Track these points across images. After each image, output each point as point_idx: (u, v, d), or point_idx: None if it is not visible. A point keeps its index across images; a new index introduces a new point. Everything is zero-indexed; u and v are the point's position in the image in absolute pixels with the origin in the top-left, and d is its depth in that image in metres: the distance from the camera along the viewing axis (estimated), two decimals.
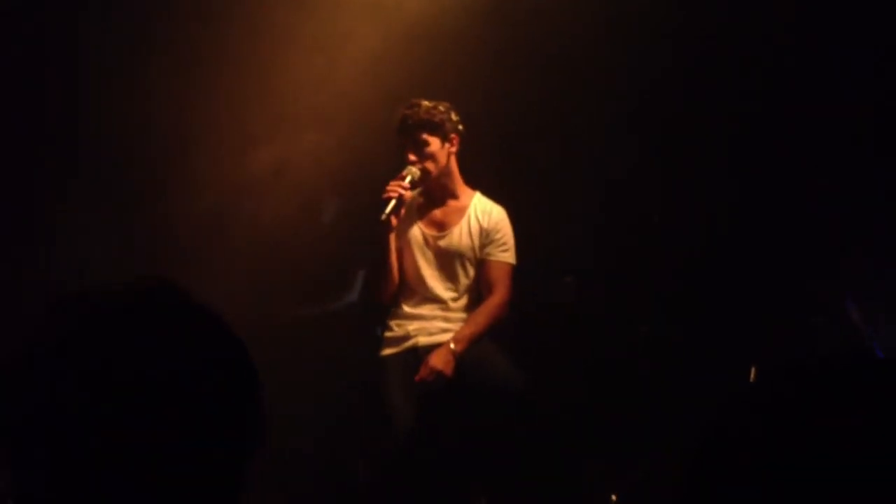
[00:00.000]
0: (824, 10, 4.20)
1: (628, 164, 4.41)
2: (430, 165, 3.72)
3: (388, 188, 3.63)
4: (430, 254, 3.82)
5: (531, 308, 4.25)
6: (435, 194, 3.84)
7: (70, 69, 4.27)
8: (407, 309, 3.83)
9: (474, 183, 3.91)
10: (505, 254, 3.82)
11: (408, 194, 3.66)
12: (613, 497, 3.90)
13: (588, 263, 4.46)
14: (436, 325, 3.79)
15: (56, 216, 4.27)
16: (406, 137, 3.72)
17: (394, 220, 3.67)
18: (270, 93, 4.35)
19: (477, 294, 3.84)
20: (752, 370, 3.81)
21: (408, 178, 3.65)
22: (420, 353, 3.72)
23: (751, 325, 4.19)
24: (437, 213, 3.85)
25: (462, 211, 3.84)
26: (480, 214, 3.83)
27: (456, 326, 3.76)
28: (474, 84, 4.27)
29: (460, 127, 3.78)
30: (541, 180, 4.49)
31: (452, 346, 3.66)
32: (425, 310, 3.81)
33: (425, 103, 3.73)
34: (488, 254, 3.80)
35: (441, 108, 3.74)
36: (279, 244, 4.36)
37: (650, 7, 4.30)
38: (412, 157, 3.70)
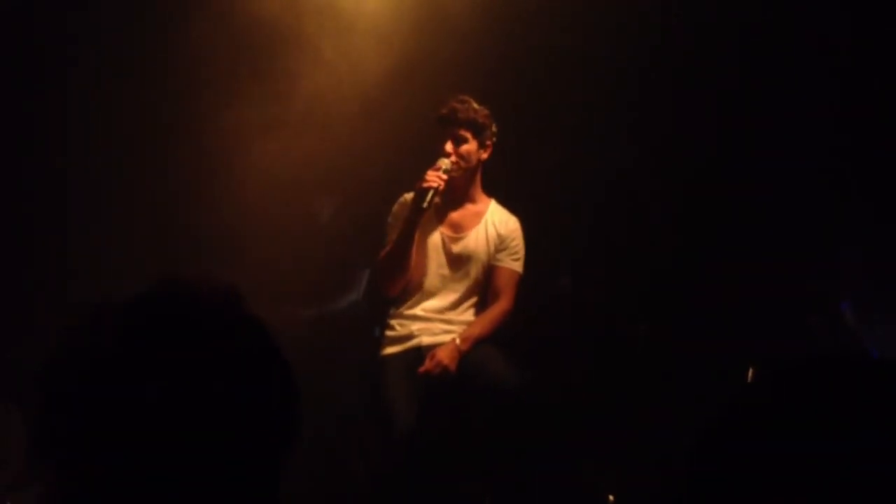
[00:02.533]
0: (822, 8, 4.20)
1: (626, 165, 4.42)
2: (461, 163, 3.75)
3: (428, 177, 3.65)
4: (443, 255, 3.83)
5: (529, 309, 4.25)
6: (455, 197, 3.85)
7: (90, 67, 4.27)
8: (410, 310, 3.83)
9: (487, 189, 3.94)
10: (515, 262, 3.85)
11: (443, 186, 3.67)
12: (611, 497, 3.90)
13: (584, 263, 4.47)
14: (438, 326, 3.79)
15: (64, 223, 4.28)
16: (449, 129, 3.74)
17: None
18: (269, 93, 4.35)
19: (481, 299, 3.86)
20: (750, 371, 3.82)
21: (443, 168, 3.68)
22: (423, 353, 3.72)
23: (747, 324, 4.19)
24: (455, 215, 3.87)
25: (479, 216, 3.87)
26: (498, 221, 3.86)
27: (458, 329, 3.76)
28: (471, 84, 4.26)
29: (495, 138, 3.82)
30: (538, 180, 4.49)
31: (458, 342, 3.68)
32: (429, 311, 3.82)
33: (475, 104, 3.77)
34: (499, 260, 3.83)
35: (487, 113, 3.79)
36: (282, 244, 4.36)
37: (649, 6, 4.31)
38: (449, 149, 3.72)
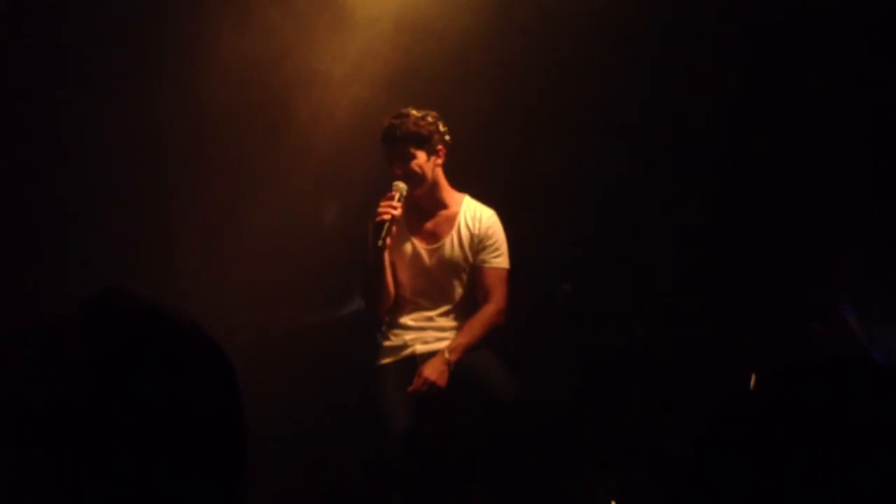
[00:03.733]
0: (818, 12, 4.20)
1: (626, 170, 4.42)
2: (416, 180, 3.66)
3: (381, 210, 3.56)
4: (423, 267, 3.78)
5: (530, 314, 4.25)
6: (424, 206, 3.77)
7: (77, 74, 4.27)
8: (403, 320, 3.81)
9: (469, 189, 3.88)
10: (498, 259, 3.77)
11: (399, 212, 3.60)
12: (612, 503, 3.90)
13: (584, 269, 4.47)
14: (431, 334, 3.77)
15: (55, 219, 4.27)
16: (392, 149, 3.65)
17: (388, 240, 3.60)
18: (270, 95, 4.36)
19: (472, 300, 3.81)
20: (753, 377, 3.82)
21: (397, 196, 3.58)
22: (418, 361, 3.70)
23: (747, 330, 4.19)
24: (428, 225, 3.80)
25: (452, 219, 3.79)
26: (471, 221, 3.78)
27: (451, 334, 3.74)
28: (471, 89, 4.27)
29: (447, 138, 3.71)
30: (537, 186, 4.49)
31: (447, 355, 3.63)
32: (421, 320, 3.79)
33: (414, 113, 3.64)
34: (482, 261, 3.76)
35: (429, 118, 3.66)
36: (284, 249, 4.36)
37: (647, 11, 4.32)
38: (398, 172, 3.64)
